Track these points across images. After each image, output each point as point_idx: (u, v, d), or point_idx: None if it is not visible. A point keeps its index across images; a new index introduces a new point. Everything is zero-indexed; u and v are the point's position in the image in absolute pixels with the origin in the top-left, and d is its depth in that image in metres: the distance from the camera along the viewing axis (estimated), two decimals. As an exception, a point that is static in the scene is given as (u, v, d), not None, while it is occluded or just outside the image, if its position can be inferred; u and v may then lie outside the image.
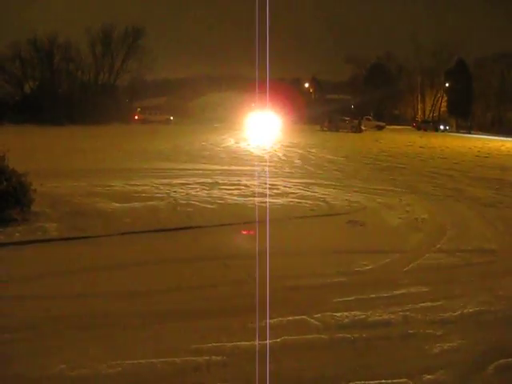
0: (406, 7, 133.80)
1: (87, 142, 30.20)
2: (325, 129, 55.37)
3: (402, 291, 6.56)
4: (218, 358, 4.66)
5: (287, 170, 19.01)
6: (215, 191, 13.10)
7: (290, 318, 5.52)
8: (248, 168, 18.82)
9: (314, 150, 27.69)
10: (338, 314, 5.64)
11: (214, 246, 8.43)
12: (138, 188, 13.19)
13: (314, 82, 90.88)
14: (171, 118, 66.18)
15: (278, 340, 4.99)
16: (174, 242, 8.68)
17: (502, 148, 36.66)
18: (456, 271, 7.57)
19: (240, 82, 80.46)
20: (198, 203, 11.41)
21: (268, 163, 20.74)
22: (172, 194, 12.41)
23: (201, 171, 17.50)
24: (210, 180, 15.06)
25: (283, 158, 23.44)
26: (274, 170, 18.71)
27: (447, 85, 79.85)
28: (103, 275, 6.91)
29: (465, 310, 5.89)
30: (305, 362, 4.69)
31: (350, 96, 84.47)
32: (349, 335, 5.16)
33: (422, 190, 15.01)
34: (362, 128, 56.07)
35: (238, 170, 18.11)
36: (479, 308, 5.98)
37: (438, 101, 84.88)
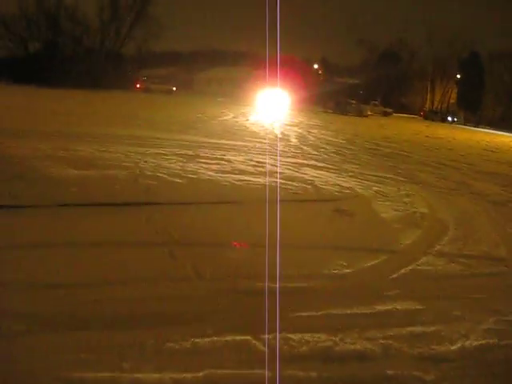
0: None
1: (80, 106, 28.57)
2: (329, 110, 53.67)
3: (387, 307, 4.98)
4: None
5: (281, 148, 17.42)
6: (191, 164, 11.60)
7: (229, 337, 4.00)
8: (238, 143, 17.26)
9: (314, 131, 26.05)
10: (295, 337, 4.14)
11: (167, 229, 6.87)
12: (106, 155, 11.73)
13: (324, 63, 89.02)
14: (174, 88, 64.73)
15: (200, 374, 3.49)
16: (120, 221, 7.05)
17: (511, 143, 35.01)
18: (457, 283, 6.00)
19: (248, 58, 78.80)
20: (165, 176, 9.92)
21: (262, 139, 19.20)
22: (141, 164, 10.94)
23: (186, 142, 15.93)
24: (191, 152, 13.55)
25: (280, 135, 21.86)
26: (267, 147, 17.14)
27: (459, 76, 78.16)
28: (13, 257, 5.39)
29: (466, 343, 4.36)
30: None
31: (359, 80, 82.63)
32: (303, 373, 3.68)
33: (424, 181, 13.47)
34: (368, 113, 54.54)
35: (226, 145, 16.55)
36: (485, 340, 4.44)
37: (447, 92, 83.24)
